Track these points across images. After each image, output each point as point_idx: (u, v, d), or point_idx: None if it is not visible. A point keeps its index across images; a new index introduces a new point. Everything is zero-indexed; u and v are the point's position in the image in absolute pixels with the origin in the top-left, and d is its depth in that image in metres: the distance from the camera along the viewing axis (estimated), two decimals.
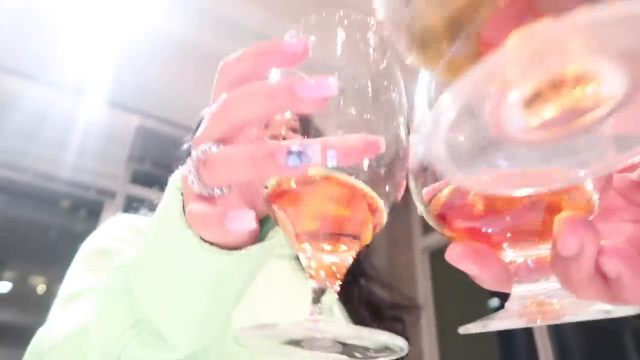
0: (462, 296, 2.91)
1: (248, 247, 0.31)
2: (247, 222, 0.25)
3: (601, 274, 0.22)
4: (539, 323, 0.23)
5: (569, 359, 2.11)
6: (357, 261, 0.72)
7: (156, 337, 0.35)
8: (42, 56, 2.23)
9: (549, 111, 0.18)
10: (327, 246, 0.28)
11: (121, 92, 2.40)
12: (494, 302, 2.82)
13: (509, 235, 0.24)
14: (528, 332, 2.20)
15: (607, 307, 0.22)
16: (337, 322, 0.27)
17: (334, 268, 0.28)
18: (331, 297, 0.28)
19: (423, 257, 2.93)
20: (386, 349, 0.29)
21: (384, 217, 0.30)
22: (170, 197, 0.31)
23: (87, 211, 2.60)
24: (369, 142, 0.25)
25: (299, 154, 0.23)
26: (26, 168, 2.28)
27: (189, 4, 2.18)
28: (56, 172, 2.32)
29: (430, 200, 0.28)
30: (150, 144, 2.57)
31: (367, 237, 0.30)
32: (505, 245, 0.25)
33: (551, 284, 0.23)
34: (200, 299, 0.33)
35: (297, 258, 0.68)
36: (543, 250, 0.23)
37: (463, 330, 0.26)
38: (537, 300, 0.23)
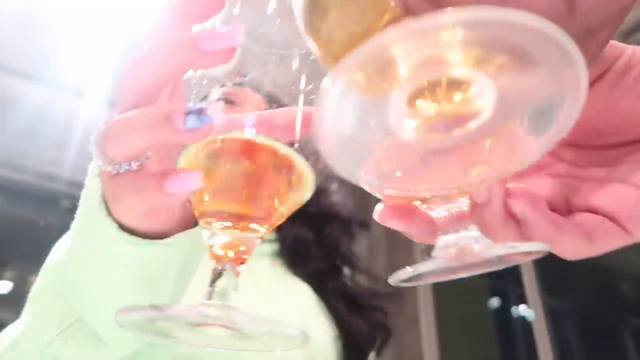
0: (462, 296, 2.90)
1: (175, 235, 0.29)
2: (194, 182, 0.22)
3: (512, 217, 0.24)
4: (460, 264, 0.25)
5: (569, 359, 2.11)
6: (336, 250, 0.72)
7: (93, 338, 0.33)
8: (42, 56, 2.23)
9: (428, 111, 0.18)
10: (230, 225, 0.25)
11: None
12: (494, 301, 2.82)
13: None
14: (528, 332, 2.20)
15: (514, 244, 0.23)
16: (231, 308, 0.24)
17: (240, 248, 0.25)
18: (228, 281, 0.25)
19: (423, 257, 2.92)
20: (285, 339, 0.25)
21: (306, 187, 0.27)
22: (89, 185, 0.30)
23: None
24: (305, 115, 0.24)
25: (199, 113, 0.21)
26: (26, 168, 2.28)
27: None
28: (56, 172, 2.32)
29: None
30: None
31: (282, 216, 0.26)
32: (428, 203, 0.27)
33: (471, 232, 0.25)
34: (128, 292, 0.30)
35: (275, 254, 0.68)
36: (463, 204, 0.25)
37: (393, 280, 0.27)
38: (459, 246, 0.25)
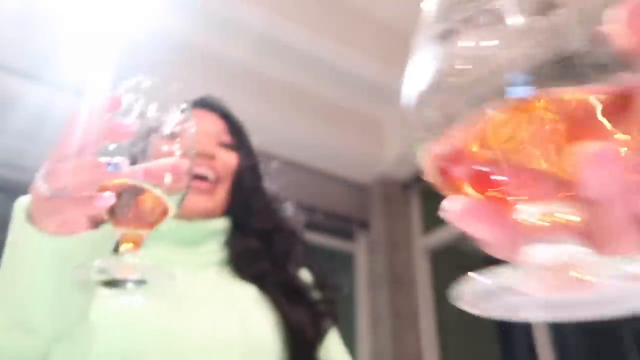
0: None
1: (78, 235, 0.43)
2: (107, 200, 0.37)
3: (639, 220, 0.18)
4: (567, 292, 0.19)
5: (569, 359, 2.11)
6: (284, 258, 0.75)
7: (19, 326, 0.45)
8: (42, 56, 2.23)
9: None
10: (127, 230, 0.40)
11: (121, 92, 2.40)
12: None
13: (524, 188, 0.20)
14: (528, 332, 2.20)
15: None
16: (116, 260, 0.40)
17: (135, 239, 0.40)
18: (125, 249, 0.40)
19: (423, 257, 2.93)
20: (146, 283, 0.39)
21: (169, 208, 0.41)
22: (15, 210, 0.44)
23: None
24: (171, 166, 0.41)
25: (115, 165, 0.38)
26: (26, 168, 2.27)
27: (189, 3, 2.18)
28: None
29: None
30: None
31: (157, 222, 0.41)
32: (520, 199, 0.20)
33: (570, 245, 0.19)
34: (45, 281, 0.43)
35: (223, 263, 0.72)
36: (560, 208, 0.19)
37: (458, 297, 0.22)
38: (560, 264, 0.18)
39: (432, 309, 2.77)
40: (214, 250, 0.72)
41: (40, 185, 0.39)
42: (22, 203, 0.44)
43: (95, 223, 0.44)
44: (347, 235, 3.09)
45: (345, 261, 3.07)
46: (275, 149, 2.83)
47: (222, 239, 0.74)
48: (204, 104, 0.81)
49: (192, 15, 2.31)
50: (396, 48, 2.49)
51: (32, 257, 0.42)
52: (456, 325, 2.79)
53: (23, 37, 2.17)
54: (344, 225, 3.03)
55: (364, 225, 3.08)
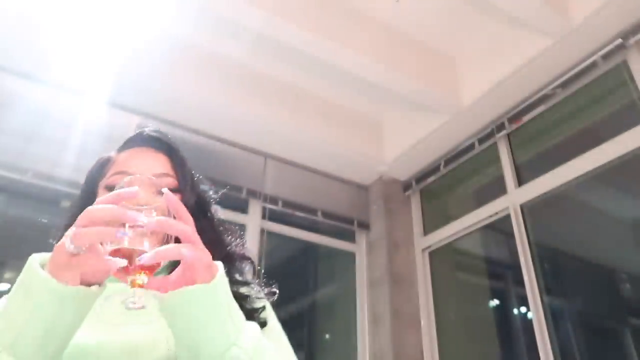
0: (462, 296, 2.90)
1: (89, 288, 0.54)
2: (119, 263, 0.52)
3: None
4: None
5: (569, 358, 2.11)
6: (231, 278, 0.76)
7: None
8: (42, 56, 2.23)
9: None
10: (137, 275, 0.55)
11: (121, 92, 2.40)
12: (494, 302, 2.82)
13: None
14: (528, 332, 2.20)
15: None
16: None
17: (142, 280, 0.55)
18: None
19: (423, 257, 2.93)
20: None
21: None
22: (29, 262, 0.54)
23: None
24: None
25: (124, 232, 0.52)
26: (26, 168, 2.27)
27: (189, 4, 2.18)
28: (56, 172, 2.32)
29: None
30: None
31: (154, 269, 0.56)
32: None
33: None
34: (42, 321, 0.52)
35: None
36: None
37: None
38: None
39: (432, 308, 2.76)
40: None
41: (68, 244, 0.51)
42: (35, 259, 0.55)
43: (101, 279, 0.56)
44: (348, 235, 3.09)
45: (346, 261, 3.07)
46: (274, 149, 2.84)
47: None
48: (145, 142, 0.82)
49: (192, 16, 2.31)
50: (396, 49, 2.49)
51: (48, 299, 0.52)
52: (456, 325, 2.78)
53: (23, 37, 2.17)
54: (344, 226, 3.03)
55: (364, 225, 3.08)
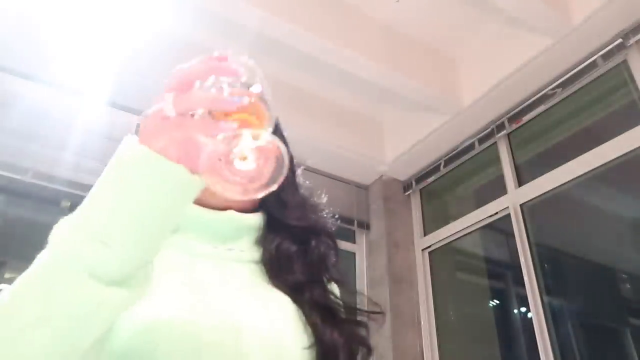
0: (462, 296, 2.90)
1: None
2: (232, 127, 0.41)
3: None
4: None
5: (569, 358, 2.11)
6: (320, 265, 0.71)
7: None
8: (42, 56, 2.23)
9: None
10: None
11: (121, 92, 2.40)
12: (494, 302, 2.82)
13: None
14: (528, 332, 2.20)
15: None
16: None
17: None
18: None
19: (423, 257, 2.93)
20: None
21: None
22: (126, 137, 0.43)
23: None
24: None
25: (238, 98, 0.42)
26: (26, 168, 2.27)
27: (189, 4, 2.18)
28: (56, 172, 2.32)
29: None
30: None
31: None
32: None
33: None
34: (144, 208, 0.41)
35: (257, 262, 0.69)
36: None
37: None
38: None
39: (432, 308, 2.76)
40: (247, 248, 0.69)
41: (166, 107, 0.41)
42: (130, 140, 0.43)
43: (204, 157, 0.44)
44: (348, 235, 3.09)
45: (346, 261, 3.07)
46: None
47: (254, 236, 0.70)
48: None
49: (192, 16, 2.30)
50: (396, 49, 2.49)
51: (156, 181, 0.41)
52: (456, 325, 2.78)
53: (23, 37, 2.17)
54: (344, 226, 3.03)
55: (364, 225, 3.08)
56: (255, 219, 0.70)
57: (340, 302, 0.70)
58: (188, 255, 0.64)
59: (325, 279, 0.71)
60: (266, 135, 0.44)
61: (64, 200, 2.53)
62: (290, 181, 0.76)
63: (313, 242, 0.72)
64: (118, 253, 0.40)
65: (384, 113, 3.05)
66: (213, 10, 2.13)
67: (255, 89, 0.44)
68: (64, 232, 0.42)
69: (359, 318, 0.70)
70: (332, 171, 3.04)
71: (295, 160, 0.79)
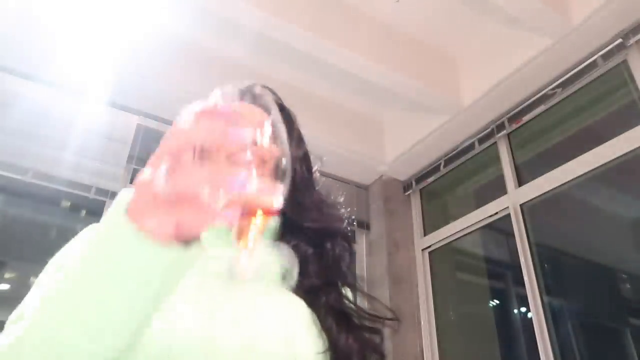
0: (462, 296, 2.90)
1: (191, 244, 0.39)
2: (235, 215, 0.38)
3: None
4: None
5: (569, 358, 2.11)
6: (335, 268, 0.70)
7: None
8: (42, 56, 2.23)
9: None
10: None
11: (121, 92, 2.40)
12: (494, 301, 2.82)
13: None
14: (528, 332, 2.20)
15: None
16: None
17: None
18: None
19: (423, 257, 2.93)
20: None
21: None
22: (114, 207, 0.38)
23: (87, 211, 2.60)
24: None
25: (243, 179, 0.37)
26: (26, 168, 2.27)
27: (189, 4, 2.18)
28: (56, 172, 2.32)
29: None
30: (150, 144, 2.57)
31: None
32: None
33: None
34: (131, 294, 0.38)
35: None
36: None
37: None
38: None
39: (432, 308, 2.76)
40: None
41: (161, 184, 0.35)
42: (120, 204, 0.38)
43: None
44: None
45: None
46: None
47: (268, 236, 0.69)
48: (253, 97, 0.72)
49: (192, 16, 2.30)
50: (396, 49, 2.49)
51: (143, 268, 0.37)
52: (456, 325, 2.78)
53: (23, 37, 2.17)
54: None
55: (364, 225, 3.08)
56: (269, 221, 0.69)
57: (355, 308, 0.69)
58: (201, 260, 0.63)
59: (340, 284, 0.70)
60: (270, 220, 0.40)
61: (64, 200, 2.53)
62: (306, 181, 0.74)
63: (329, 245, 0.71)
64: (109, 342, 0.38)
65: (384, 113, 3.05)
66: (213, 11, 2.13)
67: (269, 150, 0.39)
68: (48, 315, 0.38)
69: (373, 324, 0.69)
70: (332, 171, 3.04)
71: (312, 157, 0.78)
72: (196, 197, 0.35)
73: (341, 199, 0.80)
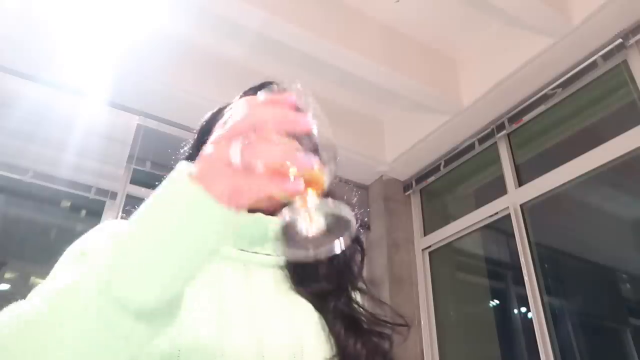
0: (462, 296, 2.90)
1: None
2: (299, 186, 0.41)
3: None
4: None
5: (569, 358, 2.11)
6: (346, 271, 0.71)
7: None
8: (42, 56, 2.23)
9: None
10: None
11: (121, 92, 2.40)
12: (495, 302, 2.82)
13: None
14: (528, 332, 2.20)
15: None
16: None
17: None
18: None
19: (423, 257, 2.93)
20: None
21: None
22: (178, 170, 0.41)
23: (87, 211, 2.60)
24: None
25: (308, 156, 0.42)
26: (26, 168, 2.28)
27: (189, 4, 2.18)
28: (56, 172, 2.32)
29: None
30: (150, 144, 2.57)
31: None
32: None
33: None
34: (192, 250, 0.40)
35: (282, 267, 0.68)
36: None
37: None
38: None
39: (432, 308, 2.77)
40: (272, 251, 0.68)
41: (234, 155, 0.39)
42: (183, 170, 0.41)
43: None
44: None
45: None
46: None
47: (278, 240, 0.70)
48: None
49: (192, 16, 2.31)
50: (396, 49, 2.49)
51: (202, 223, 0.40)
52: (456, 325, 2.78)
53: (23, 37, 2.17)
54: None
55: (365, 225, 3.08)
56: (279, 223, 0.70)
57: (365, 313, 0.69)
58: (214, 259, 0.64)
59: (349, 288, 0.70)
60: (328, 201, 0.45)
61: (64, 200, 2.53)
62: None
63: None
64: (157, 291, 0.40)
65: (384, 113, 3.05)
66: (214, 11, 2.13)
67: (324, 138, 0.46)
68: (106, 256, 0.41)
69: (383, 330, 0.69)
70: None
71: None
72: (272, 167, 0.39)
73: (354, 202, 0.81)
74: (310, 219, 0.44)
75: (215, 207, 0.39)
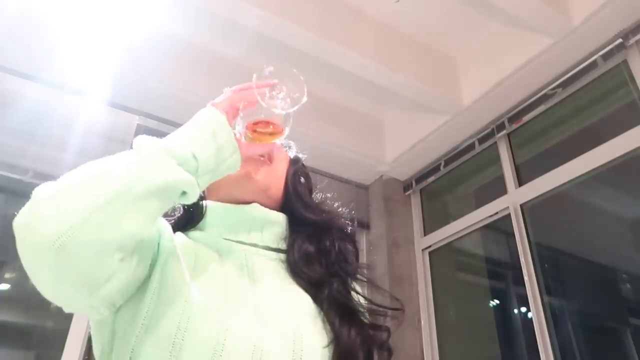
0: (462, 296, 2.90)
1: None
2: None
3: None
4: None
5: (569, 358, 2.11)
6: (339, 262, 0.74)
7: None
8: (42, 56, 2.23)
9: None
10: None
11: (121, 92, 2.40)
12: (495, 302, 2.82)
13: None
14: (528, 332, 2.20)
15: None
16: None
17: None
18: None
19: (423, 257, 2.93)
20: None
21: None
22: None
23: None
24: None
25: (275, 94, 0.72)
26: (26, 168, 2.27)
27: (188, 4, 2.18)
28: (56, 172, 2.31)
29: None
30: None
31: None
32: None
33: None
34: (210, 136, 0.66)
35: (280, 259, 0.72)
36: None
37: None
38: None
39: (432, 308, 2.76)
40: (270, 242, 0.73)
41: (227, 93, 0.72)
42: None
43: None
44: None
45: None
46: None
47: (278, 232, 0.75)
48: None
49: (192, 16, 2.30)
50: (396, 49, 2.49)
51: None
52: (456, 325, 2.78)
53: (23, 37, 2.17)
54: None
55: (364, 225, 3.08)
56: (278, 215, 0.75)
57: (360, 301, 0.73)
58: (217, 253, 0.68)
59: (346, 277, 0.74)
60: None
61: None
62: (309, 187, 0.86)
63: (331, 238, 0.77)
64: (197, 148, 0.64)
65: (384, 113, 3.05)
66: (213, 11, 2.13)
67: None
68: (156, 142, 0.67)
69: (379, 321, 0.72)
70: (332, 171, 3.04)
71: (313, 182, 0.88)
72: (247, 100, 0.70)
73: (336, 200, 0.88)
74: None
75: (216, 110, 0.67)
